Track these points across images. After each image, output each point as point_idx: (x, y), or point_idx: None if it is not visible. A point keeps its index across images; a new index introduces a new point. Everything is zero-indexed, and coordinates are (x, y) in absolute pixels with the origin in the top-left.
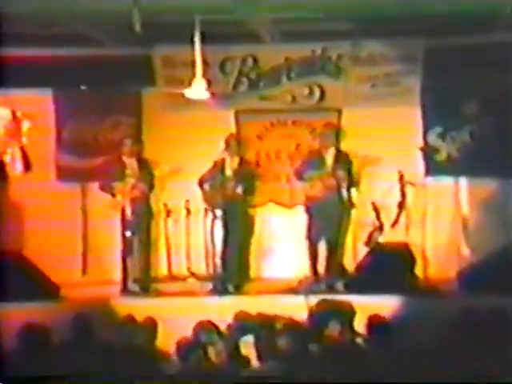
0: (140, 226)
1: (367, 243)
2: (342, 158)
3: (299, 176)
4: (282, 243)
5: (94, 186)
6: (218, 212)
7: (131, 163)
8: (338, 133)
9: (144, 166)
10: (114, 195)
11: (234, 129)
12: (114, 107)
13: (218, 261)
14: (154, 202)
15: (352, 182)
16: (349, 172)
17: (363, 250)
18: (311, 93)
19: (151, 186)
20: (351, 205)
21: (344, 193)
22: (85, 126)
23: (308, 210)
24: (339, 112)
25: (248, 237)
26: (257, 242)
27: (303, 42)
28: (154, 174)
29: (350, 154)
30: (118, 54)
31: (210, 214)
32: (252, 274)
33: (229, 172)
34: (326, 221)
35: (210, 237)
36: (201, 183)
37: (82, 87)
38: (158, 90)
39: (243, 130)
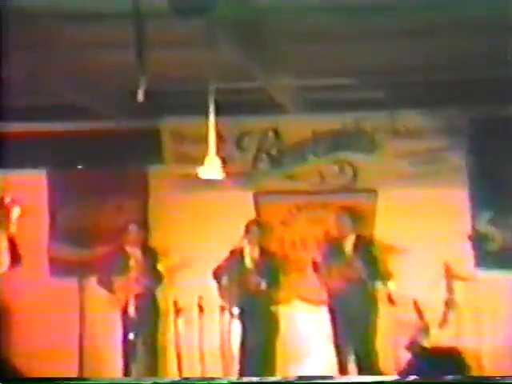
0: (145, 327)
1: (409, 347)
2: (362, 246)
3: (316, 267)
4: (310, 345)
5: (93, 281)
6: (236, 310)
7: (135, 253)
8: (357, 216)
9: (150, 256)
10: (113, 291)
11: (253, 213)
12: (116, 188)
13: (237, 366)
14: (161, 298)
15: (376, 274)
16: (372, 262)
17: (405, 356)
18: (342, 171)
19: (158, 280)
20: (391, 301)
21: (370, 287)
22: (82, 210)
23: (331, 308)
24: (374, 193)
25: (271, 338)
26: (281, 344)
27: (332, 113)
28: (161, 266)
29: (375, 241)
30: (121, 127)
31: (227, 312)
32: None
33: (249, 263)
34: (351, 321)
35: (228, 338)
36: (216, 276)
37: (79, 166)
38: (167, 168)
39: (264, 213)
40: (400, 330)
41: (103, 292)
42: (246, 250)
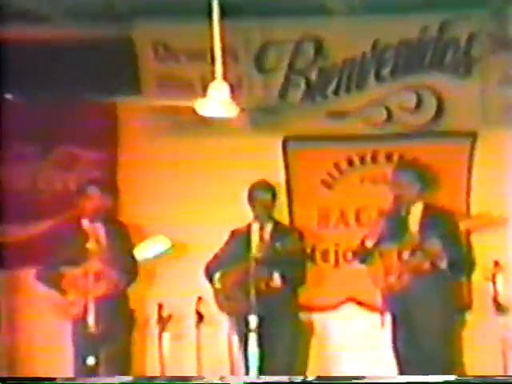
0: (111, 347)
1: None
2: (440, 219)
3: (357, 255)
4: (360, 369)
5: (29, 275)
6: (254, 318)
7: (96, 230)
8: (420, 177)
9: (119, 235)
10: (61, 291)
11: (281, 169)
12: (69, 131)
13: None
14: (136, 301)
15: (465, 261)
16: (457, 243)
17: None
18: (420, 103)
19: (132, 274)
20: (499, 309)
21: (452, 281)
22: (22, 164)
23: (389, 313)
24: (472, 137)
25: (301, 361)
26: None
27: (405, 14)
28: (137, 252)
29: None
30: (72, 35)
31: (236, 323)
32: None
33: (256, 248)
34: (423, 334)
35: (243, 359)
36: (209, 272)
37: (8, 96)
38: (145, 99)
39: (297, 170)
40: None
41: (45, 291)
42: (254, 229)
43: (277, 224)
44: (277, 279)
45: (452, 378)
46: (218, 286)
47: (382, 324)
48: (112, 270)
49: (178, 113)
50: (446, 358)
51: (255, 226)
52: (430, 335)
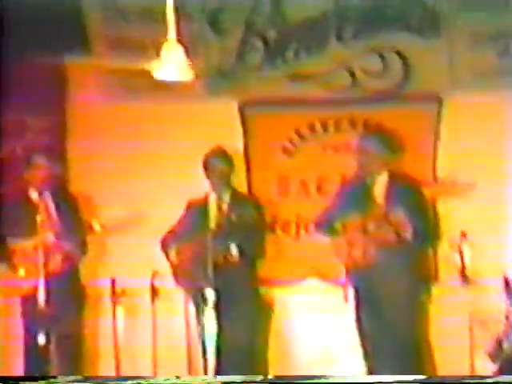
0: (62, 323)
1: (493, 354)
2: (403, 186)
3: (318, 225)
4: (321, 345)
5: None
6: (211, 292)
7: (45, 201)
8: (387, 145)
9: (69, 207)
10: (13, 266)
11: (238, 135)
12: (14, 93)
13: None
14: (88, 277)
15: (431, 230)
16: (422, 212)
17: (485, 365)
18: (385, 65)
19: (83, 246)
20: (467, 282)
21: (417, 251)
22: None
23: (351, 287)
24: (436, 101)
25: (259, 336)
26: (276, 346)
27: None
28: (87, 224)
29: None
30: None
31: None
32: None
33: (213, 219)
34: (388, 307)
35: (199, 337)
36: (165, 246)
37: None
38: (95, 60)
39: (254, 136)
40: (478, 326)
41: None
42: (211, 199)
43: (236, 194)
44: (234, 251)
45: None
46: (174, 260)
47: (346, 299)
48: (64, 243)
49: (130, 76)
50: (412, 332)
51: (212, 197)
52: (395, 309)
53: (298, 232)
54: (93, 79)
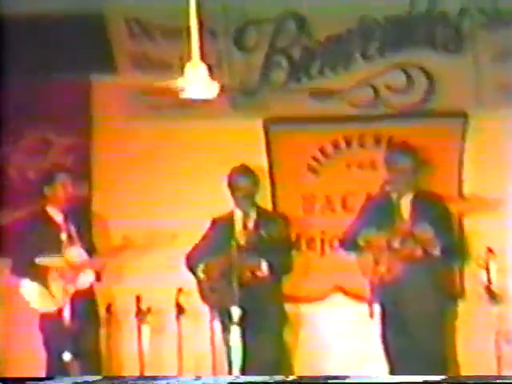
0: (87, 342)
1: None
2: (430, 204)
3: (342, 242)
4: (348, 360)
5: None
6: (236, 310)
7: (67, 221)
8: (416, 162)
9: (91, 227)
10: (46, 283)
11: (263, 153)
12: (37, 111)
13: None
14: (114, 294)
15: (457, 247)
16: (449, 229)
17: None
18: (410, 82)
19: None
20: (493, 298)
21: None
22: None
23: (378, 303)
24: (464, 117)
25: (287, 354)
26: (300, 362)
27: None
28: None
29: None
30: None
31: (220, 315)
32: None
33: (240, 236)
34: (414, 324)
35: (226, 353)
36: (191, 263)
37: None
38: (121, 78)
39: (279, 153)
40: (505, 343)
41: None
42: (237, 216)
43: (261, 211)
44: (264, 267)
45: (440, 378)
46: (201, 277)
47: (371, 315)
48: (92, 260)
49: (154, 94)
50: (438, 348)
51: (238, 214)
52: (421, 325)
53: (322, 248)
54: (118, 98)
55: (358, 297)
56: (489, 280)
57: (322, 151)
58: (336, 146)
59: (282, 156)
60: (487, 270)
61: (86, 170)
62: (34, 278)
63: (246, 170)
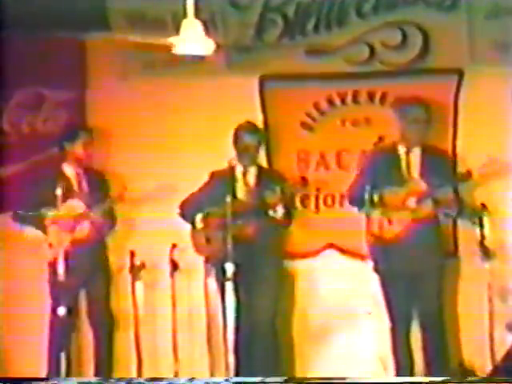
0: (89, 297)
1: None
2: (439, 162)
3: (353, 198)
4: (349, 322)
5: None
6: (230, 266)
7: (78, 176)
8: (429, 115)
9: (100, 183)
10: (44, 229)
11: (258, 110)
12: (34, 70)
13: (232, 357)
14: (112, 249)
15: (462, 206)
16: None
17: (506, 339)
18: (405, 40)
19: (113, 221)
20: (486, 254)
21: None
22: None
23: (380, 263)
24: (459, 74)
25: (285, 312)
26: (302, 322)
27: None
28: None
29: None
30: None
31: (214, 270)
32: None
33: (240, 191)
34: (414, 284)
35: (221, 313)
36: (184, 211)
37: None
38: (115, 35)
39: (275, 110)
40: (498, 299)
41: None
42: (237, 171)
43: (262, 169)
44: (280, 212)
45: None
46: (199, 226)
47: (374, 270)
48: (95, 214)
49: (149, 51)
50: (439, 304)
51: (239, 169)
52: (422, 284)
53: (317, 205)
54: (111, 54)
55: (352, 253)
56: (482, 235)
57: (317, 108)
58: (331, 102)
59: (276, 113)
60: (481, 225)
61: (82, 125)
62: (34, 224)
63: (252, 127)
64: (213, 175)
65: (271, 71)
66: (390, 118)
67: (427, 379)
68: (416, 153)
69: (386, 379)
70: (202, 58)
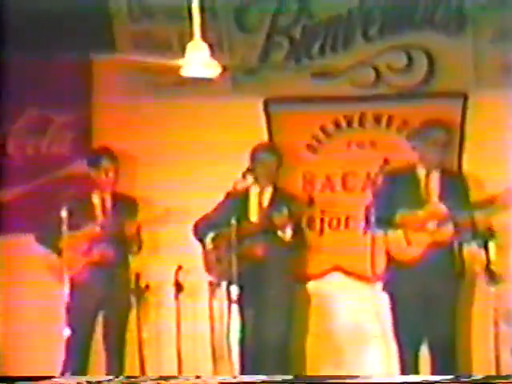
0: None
1: None
2: (458, 185)
3: (375, 219)
4: (358, 343)
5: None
6: (235, 289)
7: (104, 202)
8: (450, 137)
9: (125, 209)
10: (58, 251)
11: (263, 132)
12: (40, 91)
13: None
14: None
15: (477, 232)
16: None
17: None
18: (410, 63)
19: (137, 245)
20: (492, 277)
21: (462, 250)
22: None
23: (392, 286)
24: (464, 98)
25: (293, 333)
26: (313, 342)
27: None
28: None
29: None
30: None
31: (219, 291)
32: None
33: (254, 211)
34: (424, 307)
35: (226, 333)
36: (198, 231)
37: None
38: (121, 56)
39: (281, 133)
40: (504, 322)
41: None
42: (252, 192)
43: (277, 190)
44: (288, 233)
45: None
46: (210, 246)
47: (383, 289)
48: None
49: (155, 73)
50: (451, 333)
51: (254, 190)
52: (436, 305)
53: (322, 228)
54: (118, 76)
55: (358, 276)
56: (488, 259)
57: (323, 130)
58: (337, 125)
59: (282, 135)
60: (486, 249)
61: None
62: (51, 247)
63: (270, 146)
64: (228, 195)
65: (277, 93)
66: (396, 140)
67: (430, 378)
68: (435, 175)
69: (390, 379)
70: (207, 80)
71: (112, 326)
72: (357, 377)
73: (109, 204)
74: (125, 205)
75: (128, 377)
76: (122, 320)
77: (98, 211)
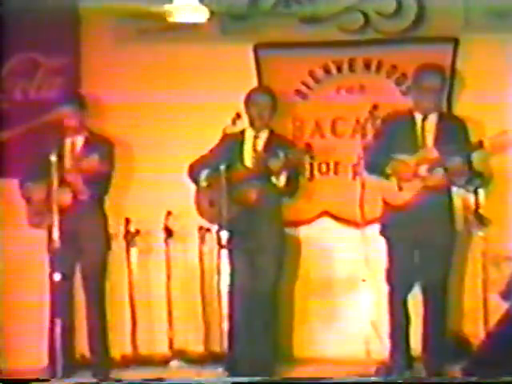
0: (83, 262)
1: (506, 294)
2: (454, 129)
3: (369, 165)
4: (346, 291)
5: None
6: (224, 234)
7: (74, 146)
8: (445, 81)
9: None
10: (29, 200)
11: (253, 78)
12: (27, 36)
13: (226, 326)
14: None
15: (474, 176)
16: (467, 156)
17: (499, 307)
18: (400, 6)
19: (105, 185)
20: (481, 222)
21: (456, 195)
22: None
23: (388, 230)
24: (455, 43)
25: (283, 279)
26: (301, 290)
27: None
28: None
29: (466, 120)
30: None
31: (209, 235)
32: (294, 350)
33: (249, 155)
34: (425, 251)
35: (216, 279)
36: (193, 172)
37: None
38: (109, 1)
39: (270, 78)
40: (492, 266)
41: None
42: (248, 136)
43: (273, 134)
44: (282, 178)
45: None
46: (203, 184)
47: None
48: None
49: (143, 18)
50: (444, 277)
51: (249, 133)
52: (433, 253)
53: (311, 173)
54: (106, 22)
55: (347, 221)
56: (477, 204)
57: (313, 76)
58: (326, 70)
59: (271, 81)
60: (476, 193)
61: (75, 91)
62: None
63: (266, 89)
64: (224, 137)
65: (266, 39)
66: (386, 85)
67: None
68: (432, 120)
69: (388, 379)
70: (196, 25)
71: (89, 272)
72: (359, 377)
73: (80, 146)
74: (100, 145)
75: (117, 380)
76: (100, 265)
77: (69, 156)
